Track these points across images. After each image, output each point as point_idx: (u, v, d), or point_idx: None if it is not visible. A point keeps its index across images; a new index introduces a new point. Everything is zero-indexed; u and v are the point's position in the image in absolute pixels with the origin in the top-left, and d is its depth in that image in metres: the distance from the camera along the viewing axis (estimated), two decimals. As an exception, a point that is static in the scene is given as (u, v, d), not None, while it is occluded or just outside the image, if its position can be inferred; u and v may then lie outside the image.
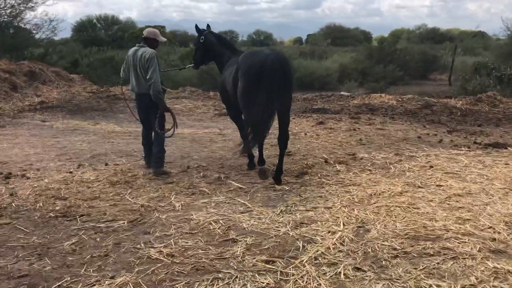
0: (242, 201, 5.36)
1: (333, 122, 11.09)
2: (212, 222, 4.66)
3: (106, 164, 7.37)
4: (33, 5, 22.32)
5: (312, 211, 4.95)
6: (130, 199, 5.60)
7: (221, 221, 4.69)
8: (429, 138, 9.41)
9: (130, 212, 5.12)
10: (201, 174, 6.71)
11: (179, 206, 5.26)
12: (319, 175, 6.60)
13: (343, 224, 4.51)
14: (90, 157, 7.90)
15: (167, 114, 6.86)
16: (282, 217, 4.78)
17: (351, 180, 6.28)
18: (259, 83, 5.66)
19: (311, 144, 8.74)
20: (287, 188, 5.90)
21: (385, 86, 18.15)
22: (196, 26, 7.43)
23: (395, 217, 4.72)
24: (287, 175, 6.58)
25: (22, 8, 22.32)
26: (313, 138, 9.38)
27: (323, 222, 4.58)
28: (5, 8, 21.97)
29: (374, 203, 5.16)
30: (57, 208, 5.29)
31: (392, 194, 5.56)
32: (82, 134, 10.22)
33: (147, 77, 6.43)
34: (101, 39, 64.45)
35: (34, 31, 23.84)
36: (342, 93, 17.03)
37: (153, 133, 7.01)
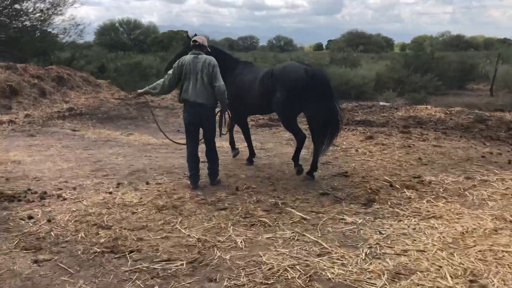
0: (313, 238, 4.61)
1: (383, 136, 10.27)
2: (288, 269, 3.92)
3: (147, 183, 6.71)
4: (61, 8, 22.04)
5: (403, 255, 4.17)
6: (182, 230, 4.91)
7: (298, 267, 3.94)
8: (494, 157, 8.53)
9: (186, 249, 4.43)
10: (254, 198, 5.99)
11: (241, 242, 4.54)
12: (389, 203, 5.83)
13: (450, 276, 3.72)
14: (128, 174, 7.26)
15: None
16: (371, 263, 4.01)
17: (429, 211, 5.49)
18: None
19: (367, 163, 7.96)
20: (359, 221, 5.13)
21: (425, 97, 17.23)
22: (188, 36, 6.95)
23: (509, 267, 3.92)
24: (353, 202, 5.83)
25: (50, 13, 22.05)
26: (367, 155, 8.59)
27: (424, 273, 3.80)
28: (34, 13, 21.71)
29: (474, 246, 4.36)
30: (102, 240, 4.62)
31: (486, 232, 4.75)
32: (115, 146, 9.62)
33: (215, 84, 6.33)
34: (123, 43, 64.76)
35: (62, 35, 23.58)
36: (381, 103, 16.18)
37: (204, 149, 6.74)
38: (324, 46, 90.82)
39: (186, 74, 6.41)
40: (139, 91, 6.99)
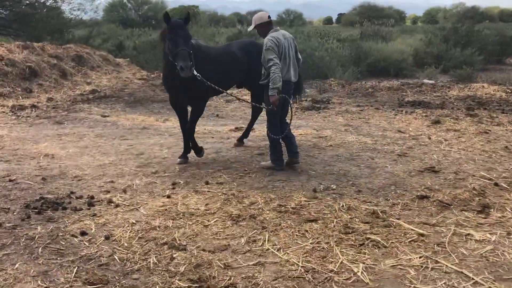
0: (453, 267, 3.61)
1: (451, 121, 9.19)
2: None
3: (207, 183, 5.75)
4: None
5: None
6: (276, 252, 3.93)
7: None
8: None
9: (294, 283, 3.45)
10: (341, 203, 5.00)
11: (361, 272, 3.55)
12: (508, 209, 4.80)
13: None
14: (180, 171, 6.29)
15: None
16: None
17: None
18: None
19: (450, 155, 6.91)
20: (492, 238, 4.12)
21: (472, 73, 15.98)
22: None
23: None
24: (464, 208, 4.82)
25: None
26: (445, 144, 7.53)
27: None
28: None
29: None
30: (181, 269, 3.67)
31: None
32: (155, 134, 8.63)
33: (300, 56, 6.32)
34: (132, 20, 63.41)
35: (77, 11, 22.44)
36: (425, 81, 15.02)
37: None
38: (334, 20, 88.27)
39: (282, 54, 5.90)
40: (278, 95, 5.92)
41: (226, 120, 10.10)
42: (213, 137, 8.35)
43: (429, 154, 6.95)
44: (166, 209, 4.91)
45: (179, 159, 6.62)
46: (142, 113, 10.88)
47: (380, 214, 4.68)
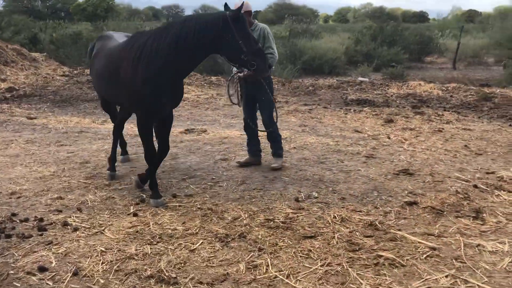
0: (485, 286, 3.31)
1: (403, 119, 9.19)
2: None
3: (175, 196, 5.10)
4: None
5: None
6: (286, 280, 3.41)
7: None
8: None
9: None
10: (332, 214, 4.59)
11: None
12: (499, 213, 4.67)
13: None
14: (130, 184, 5.52)
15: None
16: None
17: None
18: None
19: (416, 155, 6.78)
20: (505, 248, 3.90)
21: (403, 72, 16.41)
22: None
23: None
24: (457, 214, 4.61)
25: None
26: (407, 144, 7.42)
27: None
28: None
29: None
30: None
31: None
32: (96, 139, 7.72)
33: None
34: (38, 11, 59.46)
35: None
36: (360, 78, 15.18)
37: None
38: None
39: None
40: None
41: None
42: (163, 141, 7.58)
43: (396, 155, 6.77)
44: (137, 231, 4.19)
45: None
46: (74, 114, 9.79)
47: (378, 225, 4.32)
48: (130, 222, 4.38)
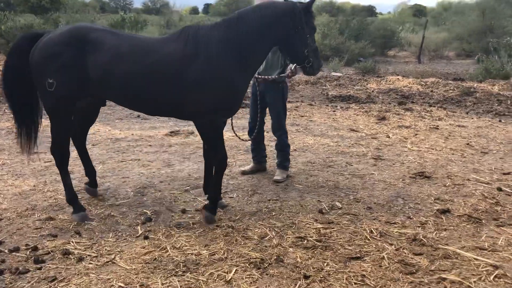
0: None
1: (395, 117, 8.91)
2: None
3: (184, 211, 4.48)
4: None
5: None
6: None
7: None
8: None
9: None
10: (366, 228, 4.17)
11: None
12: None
13: None
14: (135, 194, 4.91)
15: None
16: None
17: None
18: None
19: (424, 155, 6.48)
20: None
21: (375, 66, 16.25)
22: None
23: None
24: (490, 220, 4.28)
25: None
26: (409, 143, 7.12)
27: None
28: None
29: None
30: None
31: None
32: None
33: None
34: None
35: None
36: (333, 73, 14.89)
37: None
38: (200, 10, 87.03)
39: None
40: None
41: (152, 122, 8.62)
42: (150, 145, 6.92)
43: (404, 156, 6.44)
44: (155, 259, 3.57)
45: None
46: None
47: (423, 240, 3.92)
48: (143, 247, 3.76)
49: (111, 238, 3.93)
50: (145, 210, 4.52)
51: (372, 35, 21.94)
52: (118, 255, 3.62)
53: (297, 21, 3.99)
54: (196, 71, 3.88)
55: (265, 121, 5.57)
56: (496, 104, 10.38)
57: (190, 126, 8.19)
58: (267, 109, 5.49)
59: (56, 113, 4.12)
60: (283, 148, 5.52)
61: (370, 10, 79.43)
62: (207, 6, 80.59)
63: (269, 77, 5.15)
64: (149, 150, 6.63)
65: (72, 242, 3.83)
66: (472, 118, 9.06)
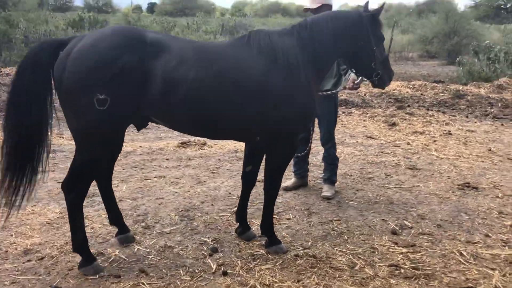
0: None
1: (404, 122, 8.78)
2: None
3: (253, 258, 4.03)
4: None
5: None
6: None
7: None
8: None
9: None
10: (455, 251, 3.91)
11: None
12: None
13: None
14: (176, 224, 4.38)
15: None
16: None
17: None
18: None
19: (456, 164, 6.35)
20: None
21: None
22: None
23: None
24: None
25: None
26: (434, 151, 6.96)
27: None
28: None
29: None
30: None
31: None
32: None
33: None
34: None
35: None
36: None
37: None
38: (144, 9, 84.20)
39: None
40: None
41: (154, 131, 8.01)
42: (167, 159, 6.35)
43: (437, 165, 6.27)
44: (251, 301, 3.10)
45: None
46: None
47: (520, 261, 3.68)
48: (228, 286, 3.28)
49: (183, 276, 3.41)
50: (203, 238, 4.02)
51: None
52: (207, 299, 3.12)
53: (363, 32, 3.62)
54: (278, 82, 3.40)
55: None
56: (489, 107, 10.52)
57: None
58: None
59: (94, 140, 3.17)
60: (333, 161, 5.17)
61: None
62: (151, 5, 78.18)
63: (329, 92, 4.75)
64: (169, 165, 6.07)
65: (143, 284, 3.28)
66: (476, 123, 9.09)
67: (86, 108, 3.04)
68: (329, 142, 5.13)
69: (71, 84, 3.04)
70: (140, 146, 6.89)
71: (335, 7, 5.02)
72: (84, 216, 4.06)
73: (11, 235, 4.00)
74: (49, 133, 3.31)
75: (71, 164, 3.35)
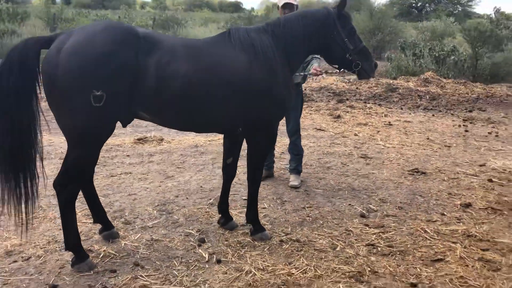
0: None
1: (347, 115, 9.28)
2: None
3: (241, 246, 4.20)
4: None
5: None
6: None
7: None
8: (479, 131, 8.48)
9: None
10: (415, 229, 4.32)
11: None
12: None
13: None
14: (157, 219, 4.46)
15: None
16: None
17: None
18: None
19: (402, 152, 6.89)
20: None
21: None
22: None
23: None
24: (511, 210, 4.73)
25: None
26: (380, 141, 7.49)
27: None
28: None
29: None
30: None
31: None
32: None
33: None
34: None
35: None
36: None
37: None
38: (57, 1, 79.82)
39: None
40: None
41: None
42: (128, 156, 6.30)
43: (385, 153, 6.79)
44: (250, 284, 3.29)
45: None
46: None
47: (477, 235, 4.16)
48: (225, 273, 3.43)
49: (179, 266, 3.52)
50: (187, 230, 4.13)
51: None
52: (208, 285, 3.26)
53: (331, 27, 3.87)
54: (258, 75, 3.60)
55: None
56: (419, 100, 11.37)
57: (150, 131, 7.64)
58: None
59: (88, 138, 3.17)
60: (299, 152, 5.44)
61: (237, 6, 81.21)
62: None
63: (300, 74, 4.98)
64: (132, 161, 6.04)
65: (142, 276, 3.35)
66: (410, 114, 9.81)
67: (82, 105, 3.03)
68: (295, 134, 5.39)
69: (67, 81, 2.99)
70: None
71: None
72: (56, 216, 4.08)
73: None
74: (39, 134, 3.26)
75: (64, 162, 3.33)
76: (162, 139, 7.08)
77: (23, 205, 3.26)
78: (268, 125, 3.84)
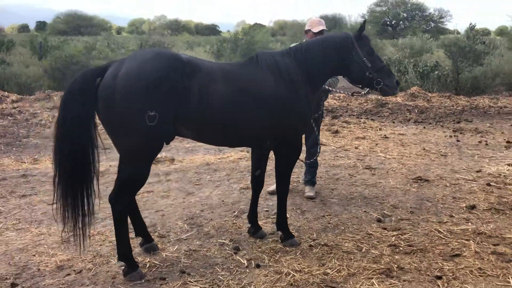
0: None
1: (344, 130, 9.69)
2: None
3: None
4: None
5: None
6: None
7: None
8: (469, 140, 8.96)
9: None
10: (428, 230, 4.68)
11: None
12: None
13: None
14: (189, 231, 4.73)
15: None
16: None
17: None
18: None
19: (403, 162, 7.29)
20: None
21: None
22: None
23: None
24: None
25: None
26: (380, 153, 7.89)
27: None
28: None
29: None
30: None
31: None
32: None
33: None
34: None
35: None
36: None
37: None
38: (31, 28, 79.10)
39: None
40: None
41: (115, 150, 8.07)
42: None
43: (387, 164, 7.17)
44: (291, 284, 3.59)
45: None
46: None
47: (486, 232, 4.55)
48: (266, 275, 3.73)
49: (222, 272, 3.80)
50: (220, 241, 4.41)
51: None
52: (254, 286, 3.55)
53: (349, 48, 4.22)
54: (283, 93, 3.98)
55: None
56: (408, 113, 11.88)
57: (164, 153, 7.91)
58: None
59: (143, 154, 3.53)
60: (314, 165, 5.78)
61: (213, 29, 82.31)
62: (41, 24, 73.62)
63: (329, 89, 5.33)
64: (150, 181, 6.25)
65: (191, 281, 3.62)
66: (403, 127, 10.28)
67: (138, 124, 3.38)
68: (315, 146, 5.70)
69: (125, 104, 3.34)
70: (110, 165, 6.99)
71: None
72: (95, 233, 4.35)
73: (33, 255, 4.09)
74: (97, 156, 3.57)
75: (117, 179, 3.63)
76: (173, 159, 7.36)
77: (80, 221, 3.52)
78: (293, 138, 4.21)
